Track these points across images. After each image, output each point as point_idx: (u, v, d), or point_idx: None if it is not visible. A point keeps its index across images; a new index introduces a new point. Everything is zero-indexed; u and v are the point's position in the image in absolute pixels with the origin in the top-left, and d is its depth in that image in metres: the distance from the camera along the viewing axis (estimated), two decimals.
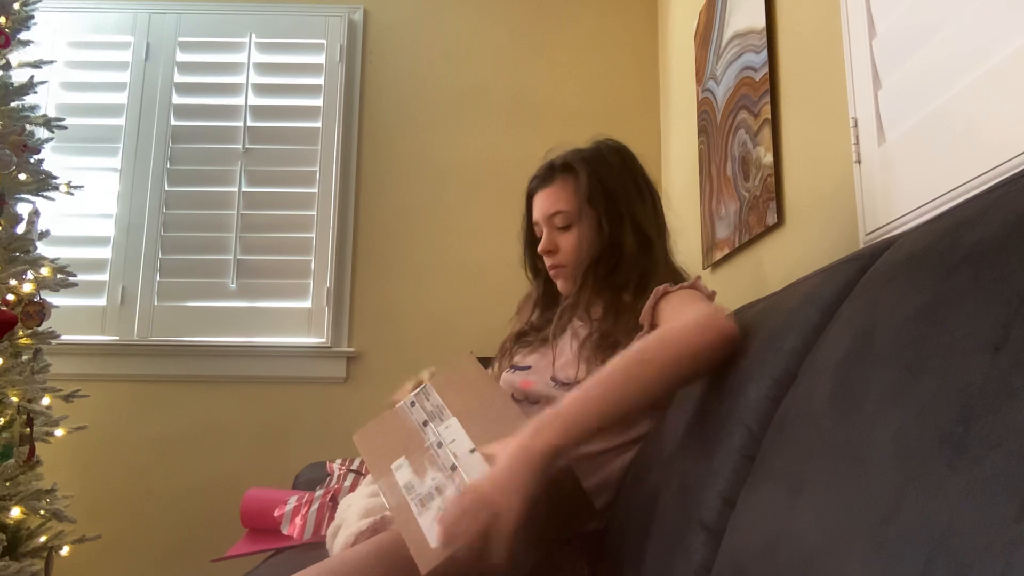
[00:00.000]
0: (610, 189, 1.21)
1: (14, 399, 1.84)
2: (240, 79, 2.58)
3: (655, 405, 1.01)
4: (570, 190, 1.22)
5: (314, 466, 2.07)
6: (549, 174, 1.25)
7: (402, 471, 0.93)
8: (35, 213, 2.01)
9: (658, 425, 1.04)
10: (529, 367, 1.22)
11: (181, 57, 2.60)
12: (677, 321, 0.88)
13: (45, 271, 2.01)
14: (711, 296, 1.06)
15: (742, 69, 1.62)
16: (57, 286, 2.04)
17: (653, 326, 1.03)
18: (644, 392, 0.84)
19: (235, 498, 2.03)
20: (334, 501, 1.71)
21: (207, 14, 2.63)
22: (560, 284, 1.26)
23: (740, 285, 1.67)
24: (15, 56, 2.07)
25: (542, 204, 1.25)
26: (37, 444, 1.90)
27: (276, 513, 1.78)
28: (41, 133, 2.06)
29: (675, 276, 1.19)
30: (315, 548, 1.56)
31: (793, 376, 0.73)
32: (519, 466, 0.77)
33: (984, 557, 0.35)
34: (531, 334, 1.30)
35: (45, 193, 2.05)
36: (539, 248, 1.24)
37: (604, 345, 1.11)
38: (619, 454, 1.09)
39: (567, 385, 1.12)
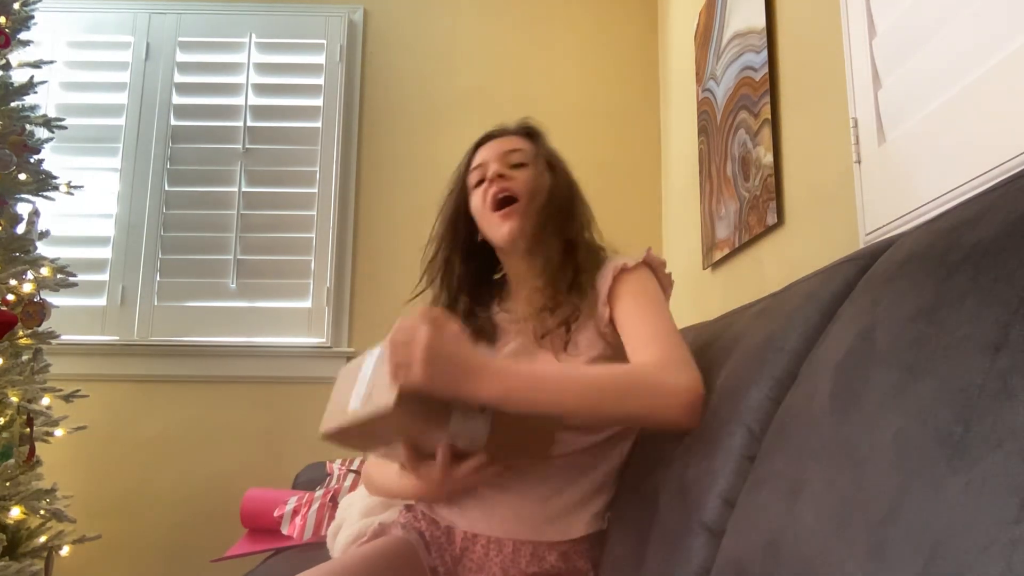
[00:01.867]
0: (561, 164, 1.20)
1: (14, 399, 1.84)
2: (240, 79, 2.58)
3: (581, 426, 1.03)
4: (529, 142, 1.19)
5: (314, 466, 2.07)
6: (504, 130, 1.23)
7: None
8: (35, 213, 2.01)
9: None
10: None
11: (181, 57, 2.60)
12: (666, 377, 0.89)
13: (45, 271, 2.01)
14: (662, 265, 1.09)
15: (742, 69, 1.62)
16: (57, 286, 2.04)
17: (611, 305, 1.04)
18: (589, 415, 0.93)
19: (235, 498, 2.03)
20: (334, 501, 1.71)
21: (207, 14, 2.63)
22: (509, 226, 1.10)
23: (740, 285, 1.67)
24: (15, 56, 2.07)
25: (495, 146, 1.18)
26: (37, 444, 1.90)
27: (276, 513, 1.78)
28: (41, 133, 2.06)
29: (614, 255, 1.16)
30: (315, 548, 1.56)
31: (793, 376, 0.73)
32: (452, 379, 0.83)
33: (984, 557, 0.35)
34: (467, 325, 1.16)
35: (45, 193, 2.05)
36: (490, 174, 1.13)
37: (557, 324, 1.06)
38: (611, 447, 1.08)
39: None
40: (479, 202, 1.15)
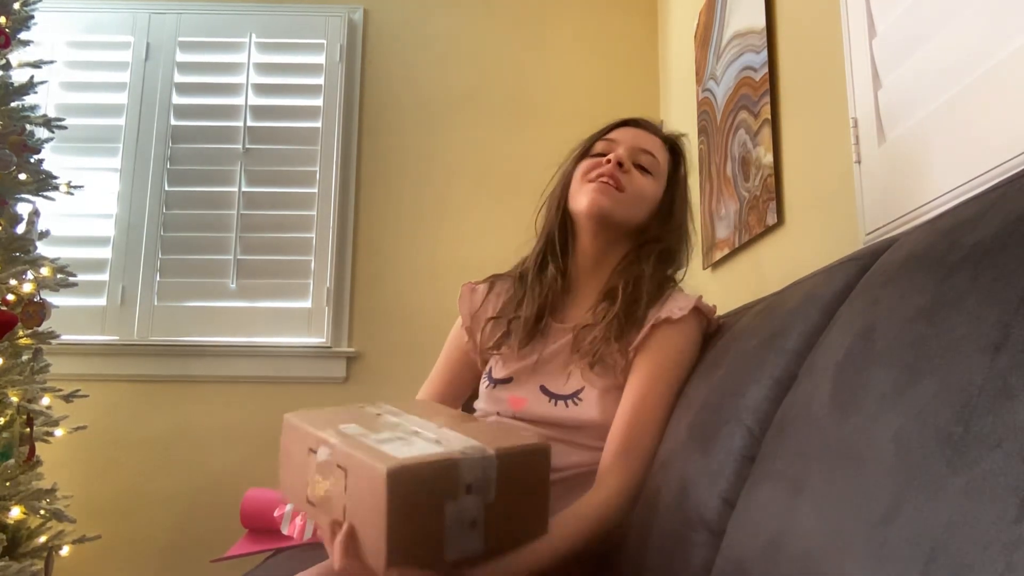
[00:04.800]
0: (686, 189, 1.18)
1: (14, 399, 1.83)
2: (240, 79, 2.57)
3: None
4: (667, 154, 1.16)
5: None
6: (656, 130, 1.18)
7: (351, 428, 0.84)
8: (35, 213, 2.01)
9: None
10: (511, 379, 1.10)
11: (181, 57, 2.60)
12: (613, 514, 0.93)
13: (45, 271, 2.01)
14: (712, 311, 1.08)
15: (742, 69, 1.62)
16: (57, 286, 2.04)
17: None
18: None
19: (235, 498, 2.03)
20: None
21: (207, 14, 2.63)
22: (599, 198, 1.06)
23: (740, 285, 1.67)
24: (15, 56, 2.07)
25: (638, 136, 1.14)
26: (37, 444, 1.90)
27: (276, 513, 1.78)
28: (41, 133, 2.05)
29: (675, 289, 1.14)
30: (315, 548, 1.56)
31: (793, 376, 0.73)
32: None
33: (984, 557, 0.35)
34: (511, 321, 1.12)
35: (45, 193, 2.05)
36: (614, 156, 1.08)
37: (593, 341, 1.04)
38: None
39: (562, 399, 1.04)
40: (584, 168, 1.11)
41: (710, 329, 1.08)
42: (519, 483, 0.82)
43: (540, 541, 0.85)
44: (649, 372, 1.00)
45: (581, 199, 1.09)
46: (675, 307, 1.03)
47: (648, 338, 1.02)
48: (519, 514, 0.83)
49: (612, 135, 1.15)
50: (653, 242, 1.10)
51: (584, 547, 0.92)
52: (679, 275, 1.16)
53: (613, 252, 1.12)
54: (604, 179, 1.07)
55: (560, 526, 0.90)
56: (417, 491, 0.74)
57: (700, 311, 1.05)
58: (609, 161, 1.08)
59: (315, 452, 0.82)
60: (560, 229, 1.15)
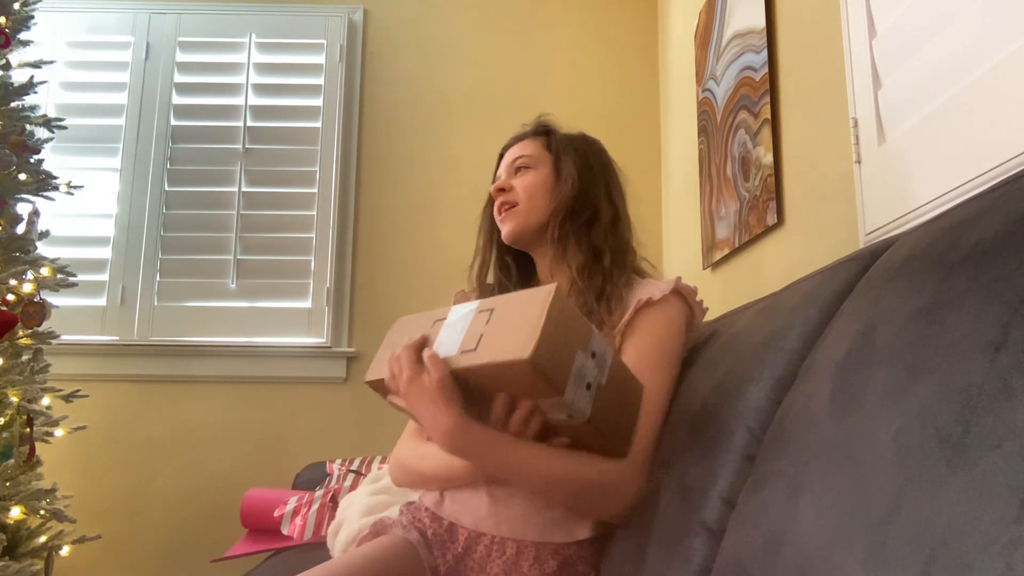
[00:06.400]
0: (583, 152, 1.20)
1: (14, 399, 1.83)
2: (240, 79, 2.57)
3: None
4: (539, 143, 1.21)
5: (314, 466, 2.07)
6: (523, 134, 1.25)
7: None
8: (35, 213, 2.01)
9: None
10: None
11: (181, 57, 2.60)
12: (620, 485, 0.93)
13: (45, 271, 2.01)
14: (693, 293, 1.07)
15: (742, 69, 1.62)
16: (57, 286, 2.04)
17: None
18: (543, 497, 0.98)
19: (235, 498, 2.03)
20: (334, 501, 1.71)
21: (207, 14, 2.63)
22: (507, 227, 1.17)
23: (740, 285, 1.67)
24: (15, 56, 2.07)
25: (509, 155, 1.23)
26: (37, 444, 1.90)
27: (276, 513, 1.78)
28: (41, 133, 2.06)
29: (644, 272, 1.17)
30: (315, 548, 1.56)
31: (793, 376, 0.73)
32: (446, 427, 0.88)
33: (984, 557, 0.35)
34: None
35: (45, 193, 2.05)
36: (493, 187, 1.20)
37: (600, 327, 1.05)
38: None
39: None
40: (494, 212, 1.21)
41: (695, 312, 1.08)
42: (620, 392, 0.90)
43: (553, 451, 0.91)
44: (639, 355, 1.01)
45: (503, 235, 1.19)
46: (655, 289, 1.05)
47: (633, 321, 1.03)
48: (614, 416, 0.90)
49: (497, 170, 1.25)
50: (561, 214, 1.14)
51: (578, 488, 0.93)
52: (608, 216, 1.17)
53: (560, 246, 1.16)
54: (502, 210, 1.18)
55: (573, 454, 0.92)
56: (565, 319, 0.84)
57: (680, 293, 1.06)
58: (496, 192, 1.19)
59: (443, 320, 0.95)
60: (513, 258, 1.24)
